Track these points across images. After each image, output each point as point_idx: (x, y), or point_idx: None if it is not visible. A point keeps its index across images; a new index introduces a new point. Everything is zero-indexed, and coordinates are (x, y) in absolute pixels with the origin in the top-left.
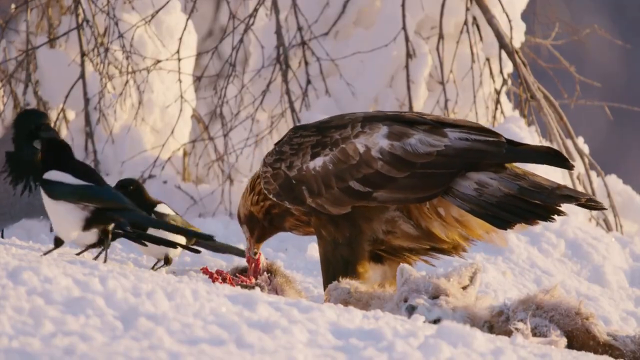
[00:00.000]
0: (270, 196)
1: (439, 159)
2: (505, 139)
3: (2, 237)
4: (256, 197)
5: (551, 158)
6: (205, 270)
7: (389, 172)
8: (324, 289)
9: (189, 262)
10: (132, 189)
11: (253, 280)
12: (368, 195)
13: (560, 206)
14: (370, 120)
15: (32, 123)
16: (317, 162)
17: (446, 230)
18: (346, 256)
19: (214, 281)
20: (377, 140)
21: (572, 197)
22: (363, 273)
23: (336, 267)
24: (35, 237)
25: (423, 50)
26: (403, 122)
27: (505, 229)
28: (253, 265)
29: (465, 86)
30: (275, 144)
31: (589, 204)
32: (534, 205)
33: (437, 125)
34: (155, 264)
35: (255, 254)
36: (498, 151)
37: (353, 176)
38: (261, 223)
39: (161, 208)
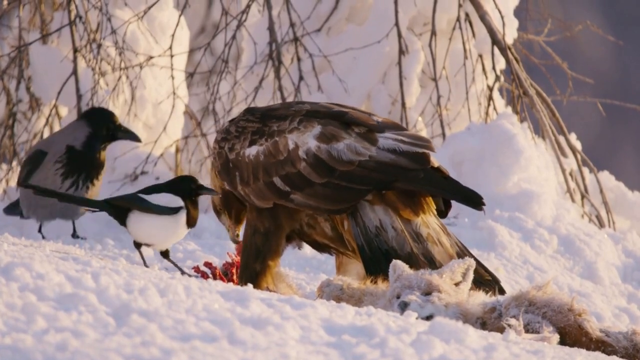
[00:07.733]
0: (216, 173)
1: (357, 171)
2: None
3: (40, 231)
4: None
5: (466, 197)
6: (196, 269)
7: (309, 175)
8: (239, 275)
9: (182, 259)
10: None
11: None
12: (287, 195)
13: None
14: (310, 115)
15: (107, 122)
16: (252, 151)
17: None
18: (260, 245)
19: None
20: (307, 140)
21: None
22: (272, 267)
23: (249, 254)
24: (27, 234)
25: (415, 46)
26: (342, 122)
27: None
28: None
29: (457, 83)
30: (229, 121)
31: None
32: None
33: (372, 129)
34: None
35: (238, 236)
36: (416, 173)
37: (277, 172)
38: (233, 196)
39: None
